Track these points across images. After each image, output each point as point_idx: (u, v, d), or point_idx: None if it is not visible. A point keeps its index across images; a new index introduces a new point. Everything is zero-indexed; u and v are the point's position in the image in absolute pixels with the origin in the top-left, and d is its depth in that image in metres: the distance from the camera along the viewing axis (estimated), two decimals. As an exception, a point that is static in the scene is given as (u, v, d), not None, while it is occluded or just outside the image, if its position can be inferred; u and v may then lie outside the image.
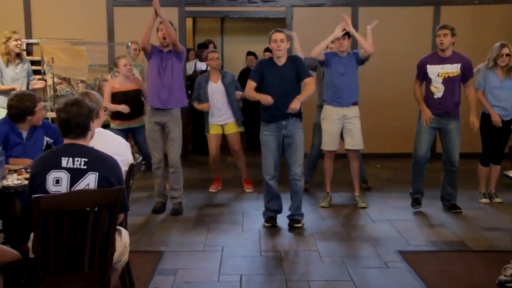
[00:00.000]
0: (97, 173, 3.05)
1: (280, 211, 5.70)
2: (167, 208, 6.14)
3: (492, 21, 9.03)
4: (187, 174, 7.56)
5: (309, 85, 5.44)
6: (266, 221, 5.65)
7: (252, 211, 6.15)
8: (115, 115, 6.69)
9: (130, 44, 8.24)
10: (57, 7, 9.13)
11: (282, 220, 5.68)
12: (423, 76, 6.04)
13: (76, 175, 3.02)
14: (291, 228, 5.55)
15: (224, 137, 7.06)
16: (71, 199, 2.91)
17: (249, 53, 9.71)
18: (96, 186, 3.04)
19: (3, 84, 6.61)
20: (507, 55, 6.11)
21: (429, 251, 4.90)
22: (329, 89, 6.21)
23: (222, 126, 6.96)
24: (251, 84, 5.53)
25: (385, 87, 9.20)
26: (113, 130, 5.77)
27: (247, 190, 7.05)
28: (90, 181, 3.04)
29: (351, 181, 6.52)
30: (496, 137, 6.27)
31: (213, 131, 6.96)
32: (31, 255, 3.26)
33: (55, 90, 7.57)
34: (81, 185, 3.02)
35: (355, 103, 6.24)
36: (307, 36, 9.10)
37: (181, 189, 6.14)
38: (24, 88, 6.70)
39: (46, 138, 4.56)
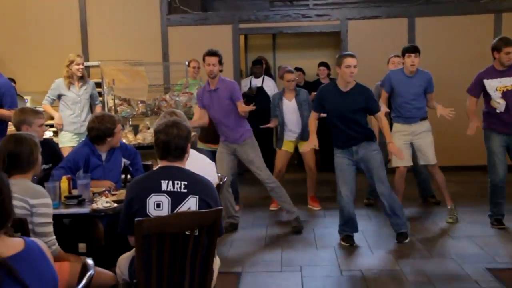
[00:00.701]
0: (197, 197, 2.97)
1: (356, 231, 5.55)
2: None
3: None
4: (246, 192, 7.51)
5: (383, 120, 5.41)
6: (342, 239, 5.50)
7: (322, 229, 6.01)
8: (206, 138, 6.69)
9: (187, 63, 8.27)
10: (113, 29, 9.22)
11: (357, 238, 5.53)
12: (477, 92, 5.81)
13: (177, 198, 2.95)
14: (399, 243, 5.41)
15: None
16: (173, 221, 2.83)
17: (297, 69, 9.60)
18: (196, 209, 2.96)
19: (66, 105, 6.68)
20: None
21: (518, 268, 4.68)
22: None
23: (295, 144, 6.85)
24: (313, 115, 5.56)
25: (443, 98, 8.98)
26: (201, 150, 5.72)
27: (314, 208, 6.91)
28: (191, 204, 2.96)
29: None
30: None
31: (285, 147, 6.86)
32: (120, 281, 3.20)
33: (116, 111, 7.59)
34: (182, 209, 2.95)
35: (424, 118, 6.11)
36: (362, 49, 9.04)
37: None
38: (85, 112, 6.76)
39: (123, 160, 4.53)
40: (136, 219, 2.78)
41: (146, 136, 7.44)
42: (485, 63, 8.81)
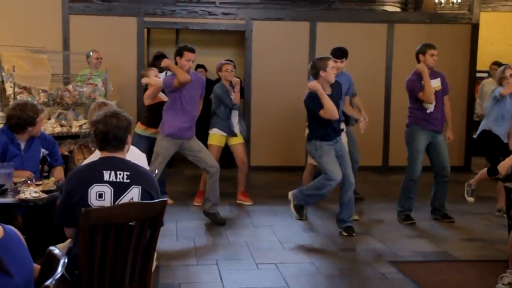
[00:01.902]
0: (140, 187, 2.97)
1: None
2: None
3: (442, 40, 9.42)
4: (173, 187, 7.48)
5: None
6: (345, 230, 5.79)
7: (232, 224, 6.12)
8: (152, 123, 6.54)
9: (91, 53, 8.04)
10: (12, 13, 8.77)
11: (267, 233, 5.70)
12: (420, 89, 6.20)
13: (119, 189, 2.92)
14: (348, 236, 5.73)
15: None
16: (121, 211, 2.81)
17: (198, 66, 9.64)
18: (139, 200, 2.95)
19: None
20: (511, 75, 6.37)
21: (419, 261, 5.04)
22: None
23: (226, 138, 6.92)
24: None
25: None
26: (136, 134, 5.61)
27: (244, 203, 7.00)
28: (134, 195, 2.94)
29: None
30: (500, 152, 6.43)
31: (217, 142, 6.89)
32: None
33: (15, 99, 7.22)
34: (125, 199, 2.92)
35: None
36: (266, 50, 9.27)
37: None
38: None
39: (42, 150, 4.37)
40: (83, 208, 2.73)
41: (47, 127, 7.16)
42: (380, 68, 9.45)
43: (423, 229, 6.05)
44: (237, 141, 6.93)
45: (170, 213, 6.29)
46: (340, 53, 6.22)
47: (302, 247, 5.38)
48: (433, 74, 6.17)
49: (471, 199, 6.49)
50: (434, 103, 6.10)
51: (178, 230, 5.86)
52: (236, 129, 6.90)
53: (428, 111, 6.15)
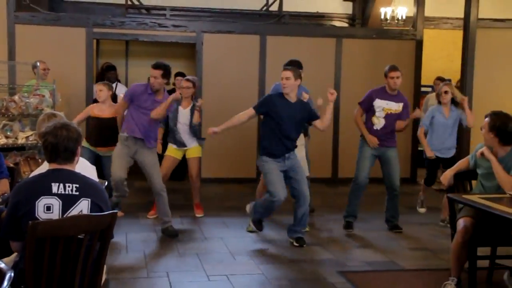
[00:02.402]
0: (89, 199, 2.94)
1: None
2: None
3: (388, 55, 9.68)
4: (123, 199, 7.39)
5: None
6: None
7: (184, 236, 6.10)
8: (94, 140, 6.66)
9: (38, 64, 7.90)
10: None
11: (218, 245, 5.72)
12: (367, 107, 6.40)
13: (68, 201, 2.89)
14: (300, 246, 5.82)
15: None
16: (69, 224, 2.78)
17: (178, 74, 9.59)
18: (88, 213, 2.92)
19: None
20: (445, 92, 6.60)
21: (368, 271, 5.14)
22: None
23: (184, 152, 6.90)
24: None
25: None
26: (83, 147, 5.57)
27: (198, 215, 6.98)
28: (83, 207, 2.92)
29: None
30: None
31: (173, 154, 6.87)
32: None
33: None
34: (74, 212, 2.89)
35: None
36: (216, 62, 9.31)
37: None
38: None
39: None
40: (30, 221, 2.69)
41: (-11, 139, 6.98)
42: (329, 82, 9.61)
43: (371, 239, 6.16)
44: (193, 155, 6.92)
45: (120, 226, 6.24)
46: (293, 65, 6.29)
47: (253, 258, 5.41)
48: (397, 98, 6.34)
49: (422, 210, 6.70)
50: (383, 121, 6.30)
51: (128, 243, 5.80)
52: (189, 142, 6.88)
53: (374, 128, 6.33)
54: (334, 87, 9.60)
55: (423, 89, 10.23)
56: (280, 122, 5.66)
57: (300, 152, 6.32)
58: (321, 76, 9.47)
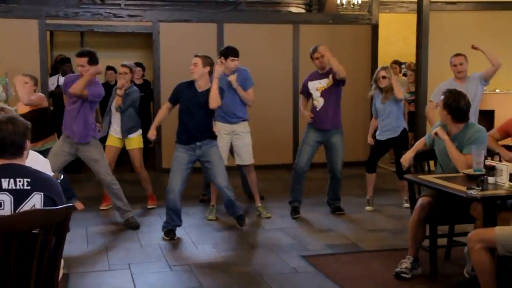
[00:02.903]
0: (42, 193, 2.88)
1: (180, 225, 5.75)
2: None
3: (345, 40, 9.76)
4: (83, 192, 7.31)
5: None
6: (165, 234, 5.65)
7: (145, 227, 6.07)
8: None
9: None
10: None
11: (180, 233, 5.72)
12: (306, 94, 6.52)
13: (20, 196, 2.83)
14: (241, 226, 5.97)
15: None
16: (22, 219, 2.72)
17: (108, 68, 9.49)
18: (42, 207, 2.87)
19: None
20: (383, 77, 6.63)
21: (328, 254, 5.21)
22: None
23: (124, 140, 6.82)
24: None
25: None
26: None
27: (150, 207, 6.95)
28: (35, 202, 2.86)
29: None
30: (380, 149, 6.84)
31: (113, 143, 6.82)
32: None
33: None
34: (26, 207, 2.83)
35: (244, 119, 6.45)
36: (174, 51, 9.23)
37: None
38: None
39: None
40: (-18, 218, 2.63)
41: None
42: (287, 68, 9.64)
43: (332, 223, 6.24)
44: (132, 146, 6.85)
45: (81, 219, 6.17)
46: (234, 52, 6.30)
47: (215, 247, 5.41)
48: (327, 74, 6.38)
49: (369, 208, 6.76)
50: (322, 99, 6.34)
51: (89, 236, 5.74)
52: (115, 131, 6.80)
53: (317, 109, 6.38)
54: (292, 73, 9.66)
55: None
56: (186, 111, 5.61)
57: (244, 139, 6.37)
58: (279, 62, 9.50)
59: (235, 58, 6.24)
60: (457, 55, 6.44)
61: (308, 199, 6.91)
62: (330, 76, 6.37)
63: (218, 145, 5.80)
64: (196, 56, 5.67)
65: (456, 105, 4.49)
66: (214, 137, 5.75)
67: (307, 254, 5.18)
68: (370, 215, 6.56)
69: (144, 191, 7.07)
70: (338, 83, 6.39)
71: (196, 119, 5.59)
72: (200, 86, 5.62)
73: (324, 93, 6.37)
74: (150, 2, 9.81)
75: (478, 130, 4.51)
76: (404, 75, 10.39)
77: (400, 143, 6.66)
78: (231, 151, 6.52)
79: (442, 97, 4.63)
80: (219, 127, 6.26)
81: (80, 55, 5.74)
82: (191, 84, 5.67)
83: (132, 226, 5.97)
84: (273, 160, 9.27)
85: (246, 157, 6.44)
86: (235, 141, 6.40)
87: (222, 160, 5.78)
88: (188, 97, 5.61)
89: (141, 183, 7.04)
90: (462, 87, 6.03)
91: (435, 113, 6.00)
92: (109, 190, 6.01)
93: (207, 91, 5.58)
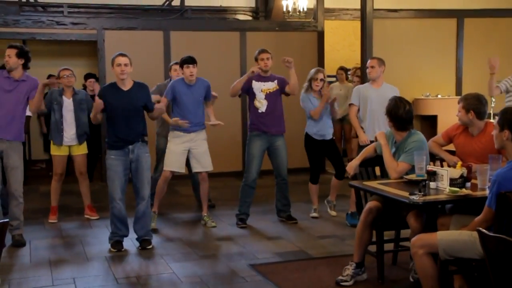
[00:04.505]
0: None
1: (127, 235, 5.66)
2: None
3: (291, 47, 9.83)
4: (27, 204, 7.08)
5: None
6: (112, 246, 5.53)
7: (91, 239, 5.95)
8: None
9: None
10: None
11: (127, 245, 5.64)
12: (246, 90, 6.43)
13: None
14: (143, 249, 5.54)
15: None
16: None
17: (89, 76, 9.30)
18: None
19: None
20: (321, 79, 6.66)
21: (277, 262, 5.21)
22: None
23: (69, 147, 6.69)
24: None
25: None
26: None
27: (91, 218, 6.81)
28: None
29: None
30: (318, 156, 6.75)
31: (61, 152, 6.68)
32: None
33: None
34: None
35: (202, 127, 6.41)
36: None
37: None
38: None
39: None
40: None
41: None
42: (235, 75, 9.62)
43: (281, 230, 6.26)
44: (78, 152, 6.75)
45: (24, 232, 5.98)
46: (190, 60, 6.25)
47: (162, 258, 5.34)
48: (271, 78, 6.42)
49: (333, 213, 6.79)
50: (266, 102, 6.35)
51: (32, 250, 5.59)
52: (73, 138, 6.69)
53: (259, 111, 6.38)
54: (240, 80, 9.65)
55: (327, 79, 10.43)
56: (114, 113, 5.47)
57: (203, 146, 6.33)
58: (226, 69, 9.50)
59: (190, 65, 6.18)
60: (372, 58, 6.48)
61: (256, 207, 6.93)
62: (276, 81, 6.40)
63: (149, 155, 5.65)
64: (125, 56, 5.55)
65: (395, 113, 4.58)
66: (146, 141, 5.61)
67: (255, 262, 5.17)
68: (319, 221, 6.61)
69: (83, 201, 6.94)
70: (283, 91, 6.44)
71: (126, 120, 5.45)
72: (125, 85, 5.51)
73: (269, 96, 6.39)
74: (94, 9, 9.65)
75: (415, 140, 4.59)
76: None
77: (333, 146, 6.73)
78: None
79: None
80: (177, 135, 6.24)
81: (10, 47, 5.72)
82: (113, 85, 5.54)
83: (17, 243, 5.69)
84: (222, 168, 9.22)
85: (207, 163, 6.38)
86: (194, 148, 6.31)
87: (149, 171, 5.67)
88: (114, 99, 5.44)
89: (81, 190, 6.89)
90: (377, 91, 6.19)
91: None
92: (14, 203, 5.65)
93: (132, 90, 5.49)
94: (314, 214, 6.76)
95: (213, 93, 6.58)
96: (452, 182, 4.02)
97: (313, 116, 6.48)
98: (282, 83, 6.44)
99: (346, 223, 6.41)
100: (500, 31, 10.36)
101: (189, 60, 6.21)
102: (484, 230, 2.65)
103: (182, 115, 6.21)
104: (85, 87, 8.97)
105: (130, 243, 5.71)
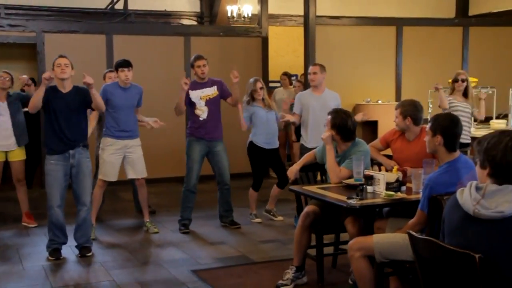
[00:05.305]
0: None
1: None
2: None
3: (236, 52, 9.86)
4: None
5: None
6: (50, 254, 5.41)
7: (28, 248, 5.80)
8: None
9: None
10: None
11: (67, 252, 5.54)
12: (187, 102, 6.38)
13: None
14: (82, 257, 5.44)
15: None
16: None
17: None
18: None
19: None
20: (260, 88, 6.67)
21: (219, 267, 5.20)
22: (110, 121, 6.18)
23: (6, 153, 6.51)
24: None
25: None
26: None
27: (29, 225, 6.63)
28: None
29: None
30: (264, 164, 6.79)
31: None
32: None
33: None
34: None
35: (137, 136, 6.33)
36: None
37: None
38: None
39: None
40: None
41: None
42: (177, 80, 9.55)
43: (224, 235, 6.25)
44: (15, 158, 6.58)
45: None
46: (126, 63, 6.17)
47: (102, 265, 5.25)
48: (208, 83, 6.40)
49: (279, 218, 6.83)
50: (207, 108, 6.35)
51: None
52: (6, 145, 6.52)
53: (201, 118, 6.37)
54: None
55: (271, 84, 10.53)
56: (54, 116, 5.34)
57: (137, 152, 6.24)
58: (170, 74, 9.42)
59: (125, 69, 6.10)
60: (315, 64, 6.56)
61: (199, 212, 6.91)
62: (215, 87, 6.40)
63: (90, 160, 5.57)
64: (65, 57, 5.43)
65: (344, 126, 4.65)
66: (86, 146, 5.52)
67: (197, 268, 5.15)
68: (261, 226, 6.63)
69: (20, 208, 6.77)
70: (223, 98, 6.45)
71: (67, 123, 5.35)
72: (65, 87, 5.39)
73: (209, 103, 6.38)
74: (34, 11, 9.44)
75: (361, 150, 4.66)
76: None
77: (277, 155, 6.78)
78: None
79: (329, 117, 4.75)
80: (109, 143, 6.13)
81: None
82: (53, 87, 5.38)
83: None
84: (165, 173, 9.18)
85: (141, 169, 6.30)
86: (128, 155, 6.21)
87: (90, 176, 5.58)
88: (55, 101, 5.31)
89: (19, 197, 6.72)
90: (319, 98, 6.31)
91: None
92: None
93: (71, 92, 5.37)
94: (257, 220, 6.78)
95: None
96: (388, 186, 4.11)
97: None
98: (222, 88, 6.43)
99: (289, 227, 6.46)
100: (437, 39, 10.70)
101: (125, 64, 6.12)
102: (413, 233, 2.71)
103: (115, 119, 6.10)
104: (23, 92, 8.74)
105: (69, 250, 5.59)
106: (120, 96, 6.12)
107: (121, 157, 6.19)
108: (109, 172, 6.15)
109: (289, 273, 4.57)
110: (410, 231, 2.75)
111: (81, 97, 5.40)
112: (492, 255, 2.38)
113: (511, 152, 2.42)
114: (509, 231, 2.39)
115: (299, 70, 10.40)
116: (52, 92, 5.34)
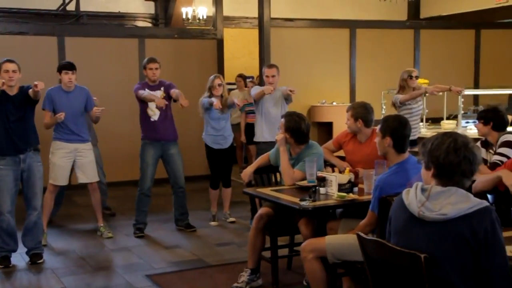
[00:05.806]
0: None
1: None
2: None
3: (191, 54, 9.82)
4: None
5: None
6: None
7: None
8: None
9: None
10: None
11: (17, 259, 5.41)
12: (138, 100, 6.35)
13: None
14: (33, 264, 5.31)
15: None
16: None
17: None
18: None
19: None
20: (219, 85, 6.66)
21: (173, 271, 5.17)
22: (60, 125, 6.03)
23: None
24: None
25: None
26: None
27: None
28: None
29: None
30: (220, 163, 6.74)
31: None
32: None
33: None
34: None
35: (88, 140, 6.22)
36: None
37: None
38: None
39: None
40: None
41: None
42: (134, 81, 9.49)
43: (179, 239, 6.21)
44: None
45: None
46: (70, 65, 6.04)
47: (53, 272, 5.16)
48: (158, 86, 6.35)
49: (231, 219, 6.81)
50: (158, 111, 6.29)
51: None
52: None
53: (152, 119, 6.33)
54: (138, 88, 9.51)
55: (227, 86, 10.52)
56: (2, 118, 5.25)
57: (88, 156, 6.14)
58: (124, 76, 9.31)
59: (69, 71, 5.97)
60: (270, 66, 6.60)
61: (155, 216, 6.87)
62: (163, 89, 6.35)
63: (42, 164, 5.46)
64: (13, 62, 5.29)
65: (297, 129, 4.67)
66: (38, 150, 5.42)
67: (152, 273, 5.10)
68: (217, 229, 6.61)
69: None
70: (170, 97, 6.35)
71: (14, 128, 5.23)
72: (12, 89, 5.26)
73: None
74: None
75: (313, 152, 4.70)
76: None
77: (228, 155, 6.79)
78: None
79: (283, 120, 4.77)
80: (59, 146, 6.01)
81: None
82: (2, 92, 5.24)
83: None
84: (120, 177, 9.06)
85: (92, 174, 6.20)
86: (79, 159, 6.10)
87: (41, 180, 5.46)
88: (2, 104, 5.20)
89: None
90: (271, 96, 6.39)
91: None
92: None
93: (18, 95, 5.25)
94: (214, 223, 6.76)
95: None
96: (341, 187, 4.16)
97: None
98: (168, 89, 6.34)
99: (245, 229, 6.45)
100: (389, 41, 10.87)
101: (68, 66, 5.98)
102: (362, 234, 2.75)
103: (63, 123, 5.92)
104: None
105: (19, 258, 5.46)
106: (64, 100, 5.96)
107: (71, 161, 6.06)
108: (59, 176, 6.03)
109: (244, 276, 4.58)
110: (359, 233, 2.78)
111: (28, 97, 5.27)
112: (436, 256, 2.43)
113: (453, 153, 2.49)
114: (452, 233, 2.44)
115: (255, 72, 10.43)
116: (1, 95, 5.20)
